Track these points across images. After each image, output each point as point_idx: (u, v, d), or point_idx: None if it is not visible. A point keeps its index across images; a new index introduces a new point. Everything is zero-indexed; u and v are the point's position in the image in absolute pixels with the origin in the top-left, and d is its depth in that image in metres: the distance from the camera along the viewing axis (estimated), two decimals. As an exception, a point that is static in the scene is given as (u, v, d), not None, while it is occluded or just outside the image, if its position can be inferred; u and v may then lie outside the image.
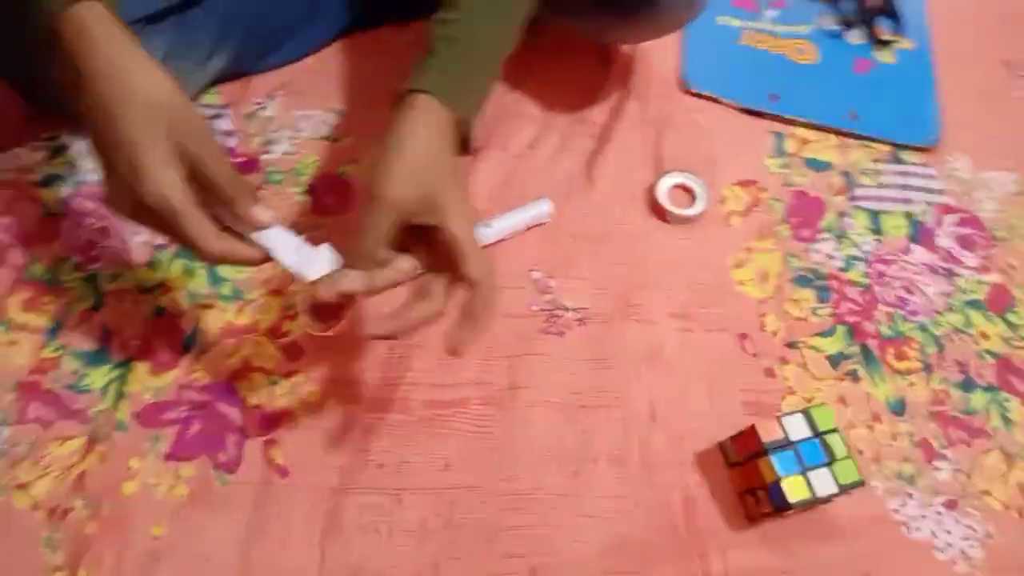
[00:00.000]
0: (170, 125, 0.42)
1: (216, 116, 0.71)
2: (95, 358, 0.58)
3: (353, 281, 0.45)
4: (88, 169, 0.65)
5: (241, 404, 0.58)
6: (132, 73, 0.41)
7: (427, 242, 0.48)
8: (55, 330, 0.58)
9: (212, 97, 0.72)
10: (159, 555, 0.52)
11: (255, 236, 0.45)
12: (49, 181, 0.63)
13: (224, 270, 0.64)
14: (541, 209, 0.72)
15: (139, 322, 0.60)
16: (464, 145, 0.52)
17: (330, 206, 0.69)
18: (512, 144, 0.78)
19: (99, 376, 0.57)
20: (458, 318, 0.47)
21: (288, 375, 0.60)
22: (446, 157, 0.48)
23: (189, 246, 0.43)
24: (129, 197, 0.42)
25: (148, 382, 0.57)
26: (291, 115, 0.74)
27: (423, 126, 0.47)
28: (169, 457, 0.55)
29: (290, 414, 0.59)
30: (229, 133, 0.71)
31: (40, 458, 0.54)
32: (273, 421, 0.58)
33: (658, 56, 0.87)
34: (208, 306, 0.61)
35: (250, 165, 0.69)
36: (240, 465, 0.56)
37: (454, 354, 0.47)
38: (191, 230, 0.42)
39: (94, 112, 0.42)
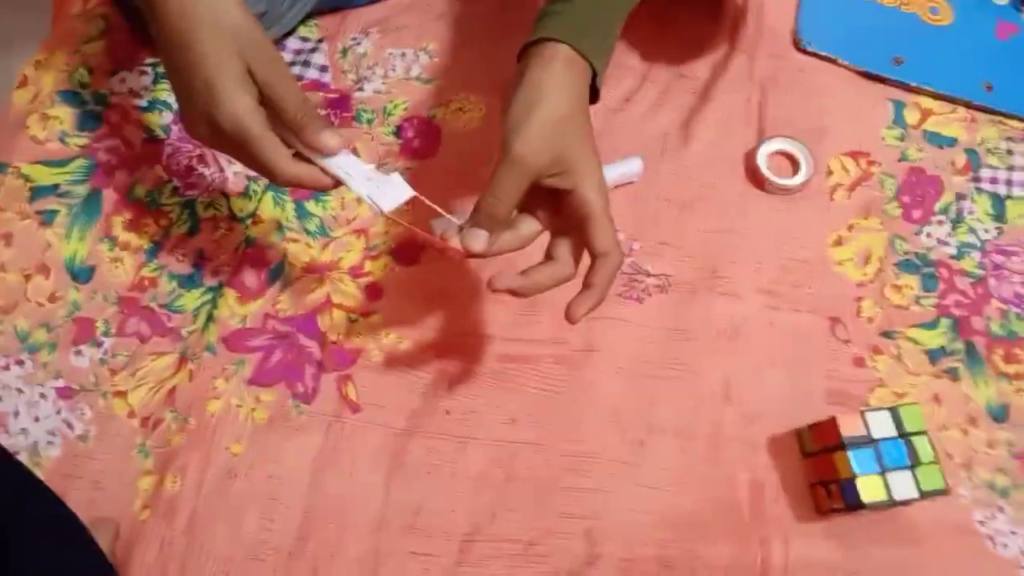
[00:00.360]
0: (240, 47, 0.42)
1: (313, 50, 0.71)
2: (189, 281, 0.60)
3: (477, 240, 0.44)
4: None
5: (320, 338, 0.60)
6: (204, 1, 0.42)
7: (552, 201, 0.46)
8: (154, 251, 0.61)
9: (308, 30, 0.72)
10: (236, 471, 0.55)
11: (325, 163, 0.45)
12: (152, 106, 0.65)
13: (311, 206, 0.65)
14: (631, 167, 0.69)
15: (230, 250, 0.62)
16: (593, 97, 0.49)
17: (418, 149, 0.69)
18: (607, 96, 0.74)
19: (192, 299, 0.60)
20: (582, 287, 0.46)
21: (366, 314, 0.62)
22: (584, 114, 0.46)
23: (261, 169, 0.43)
24: (205, 121, 0.43)
25: (236, 308, 0.60)
26: (384, 53, 0.73)
27: (561, 79, 0.44)
28: (252, 382, 0.58)
29: (366, 352, 0.60)
30: (323, 68, 0.71)
31: (136, 370, 0.57)
32: (349, 358, 0.60)
33: (772, 8, 0.81)
34: (294, 240, 0.63)
35: (342, 102, 0.70)
36: (316, 397, 0.58)
37: (572, 321, 0.46)
38: (264, 153, 0.42)
39: (169, 37, 0.42)
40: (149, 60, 0.66)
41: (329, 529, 0.55)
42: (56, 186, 0.60)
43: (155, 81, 0.66)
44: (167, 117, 0.65)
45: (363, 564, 0.54)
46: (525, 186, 0.44)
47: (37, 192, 0.59)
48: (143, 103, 0.65)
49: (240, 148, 0.43)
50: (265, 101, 0.43)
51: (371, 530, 0.55)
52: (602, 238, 0.44)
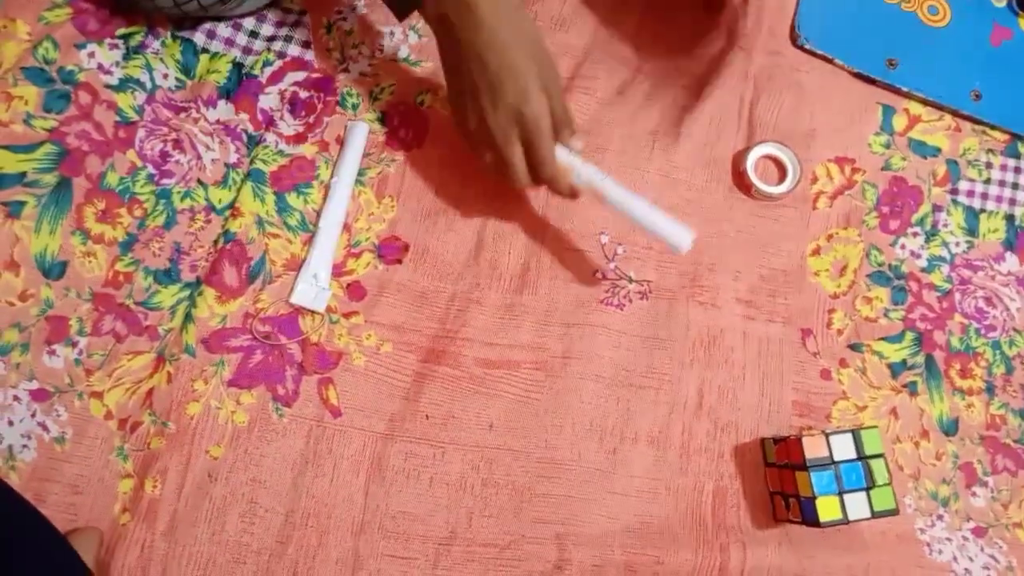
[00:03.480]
0: (541, 74, 0.54)
1: (295, 23, 0.67)
2: (165, 276, 0.59)
3: (578, 140, 0.59)
4: (163, 74, 0.63)
5: (301, 340, 0.60)
6: (525, 26, 0.54)
7: None
8: (128, 244, 0.59)
9: (290, 1, 0.68)
10: (217, 475, 0.56)
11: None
12: (124, 85, 0.61)
13: (292, 199, 0.63)
14: (678, 237, 0.58)
15: (208, 244, 0.60)
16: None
17: (404, 139, 0.67)
18: (599, 89, 0.72)
19: (168, 295, 0.59)
20: None
21: (348, 315, 0.61)
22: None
23: (535, 160, 0.55)
24: (509, 113, 0.53)
25: (216, 308, 0.59)
26: (372, 30, 0.69)
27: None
28: (231, 384, 0.58)
29: (347, 355, 0.60)
30: (306, 44, 0.67)
31: (113, 370, 0.56)
32: (331, 360, 0.60)
33: (772, 1, 0.79)
34: (275, 235, 0.61)
35: (326, 84, 0.66)
36: (296, 400, 0.58)
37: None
38: (545, 151, 0.54)
39: (489, 47, 0.52)
40: (121, 31, 0.62)
41: (309, 532, 0.56)
42: (23, 174, 0.57)
43: (126, 56, 0.62)
44: (140, 97, 0.62)
45: (343, 567, 0.56)
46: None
47: (3, 181, 0.56)
48: (114, 81, 0.61)
49: (527, 140, 0.54)
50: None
51: (351, 533, 0.57)
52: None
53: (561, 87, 0.56)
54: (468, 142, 0.58)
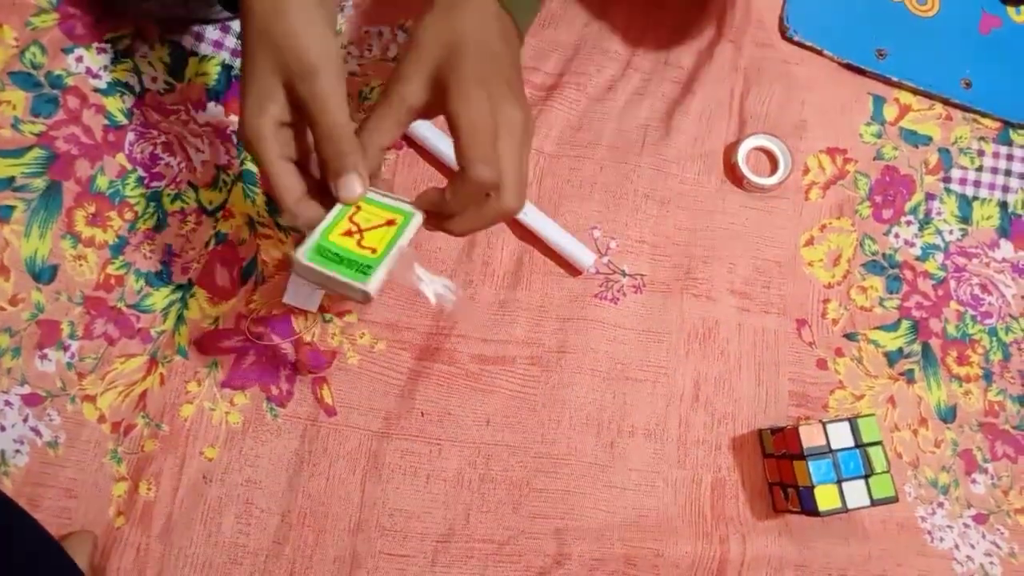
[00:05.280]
0: (285, 59, 0.38)
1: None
2: (157, 279, 0.59)
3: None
4: (152, 78, 0.63)
5: (295, 340, 0.59)
6: (264, 3, 0.38)
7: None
8: (119, 247, 0.59)
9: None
10: (211, 476, 0.56)
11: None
12: (112, 88, 0.61)
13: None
14: (581, 256, 0.63)
15: (200, 246, 0.60)
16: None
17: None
18: (590, 84, 0.72)
19: (160, 297, 0.59)
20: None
21: (341, 314, 0.61)
22: (494, 42, 0.42)
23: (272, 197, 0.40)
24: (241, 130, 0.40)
25: (208, 310, 0.58)
26: (360, 31, 0.69)
27: (473, 7, 0.42)
28: (225, 385, 0.57)
29: (341, 354, 0.60)
30: (296, 45, 0.67)
31: (105, 373, 0.56)
32: (325, 360, 0.59)
33: (761, -8, 0.79)
34: (267, 236, 0.61)
35: (315, 84, 0.66)
36: (291, 400, 0.58)
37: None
38: (274, 183, 0.40)
39: (245, 40, 0.39)
40: (108, 36, 0.62)
41: (306, 532, 0.56)
42: (12, 179, 0.57)
43: (115, 60, 0.62)
44: (129, 101, 0.61)
45: (340, 566, 0.55)
46: (419, 70, 0.41)
47: (-9, 185, 0.56)
48: (102, 85, 0.61)
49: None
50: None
51: (348, 532, 0.56)
52: (463, 151, 0.39)
53: (326, 98, 0.39)
54: None
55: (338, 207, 0.41)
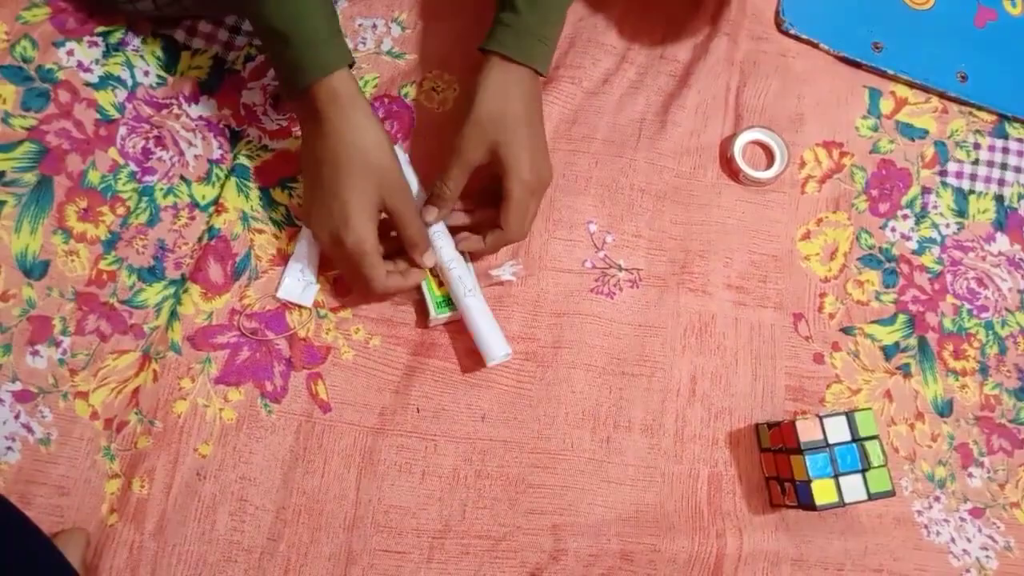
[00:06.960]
0: (380, 184, 0.53)
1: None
2: (150, 274, 0.58)
3: (429, 214, 0.58)
4: (144, 71, 0.62)
5: (289, 336, 0.59)
6: (364, 137, 0.52)
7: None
8: (111, 242, 0.58)
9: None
10: (205, 473, 0.55)
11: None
12: (104, 82, 0.60)
13: (277, 194, 0.62)
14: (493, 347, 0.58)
15: (193, 241, 0.60)
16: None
17: (390, 132, 0.66)
18: (585, 78, 0.72)
19: (153, 293, 0.58)
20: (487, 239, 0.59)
21: (335, 309, 0.61)
22: (516, 112, 0.56)
23: (362, 278, 0.54)
24: (328, 231, 0.53)
25: (201, 305, 0.58)
26: (354, 24, 0.69)
27: (493, 83, 0.56)
28: (219, 381, 0.57)
29: (335, 350, 0.60)
30: (289, 39, 0.67)
31: (98, 369, 0.56)
32: (319, 355, 0.59)
33: (756, -14, 0.78)
34: (260, 231, 0.61)
35: (309, 78, 0.66)
36: (285, 396, 0.58)
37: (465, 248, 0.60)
38: (370, 271, 0.54)
39: (322, 156, 0.53)
40: (99, 29, 0.61)
41: (301, 529, 0.55)
42: (2, 173, 0.56)
43: (106, 53, 0.61)
44: (121, 94, 0.61)
45: (335, 563, 0.55)
46: (463, 174, 0.57)
47: (-19, 180, 0.55)
48: (94, 79, 0.60)
49: (349, 260, 0.54)
50: (388, 221, 0.55)
51: (343, 529, 0.56)
52: (507, 217, 0.57)
53: (411, 208, 0.55)
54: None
55: (425, 272, 0.59)
